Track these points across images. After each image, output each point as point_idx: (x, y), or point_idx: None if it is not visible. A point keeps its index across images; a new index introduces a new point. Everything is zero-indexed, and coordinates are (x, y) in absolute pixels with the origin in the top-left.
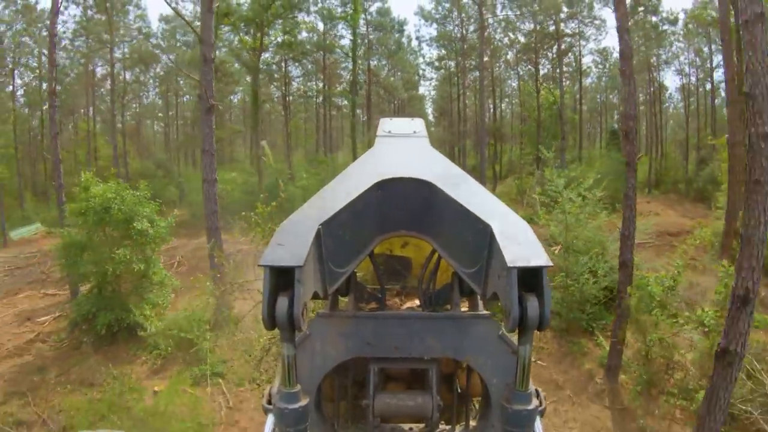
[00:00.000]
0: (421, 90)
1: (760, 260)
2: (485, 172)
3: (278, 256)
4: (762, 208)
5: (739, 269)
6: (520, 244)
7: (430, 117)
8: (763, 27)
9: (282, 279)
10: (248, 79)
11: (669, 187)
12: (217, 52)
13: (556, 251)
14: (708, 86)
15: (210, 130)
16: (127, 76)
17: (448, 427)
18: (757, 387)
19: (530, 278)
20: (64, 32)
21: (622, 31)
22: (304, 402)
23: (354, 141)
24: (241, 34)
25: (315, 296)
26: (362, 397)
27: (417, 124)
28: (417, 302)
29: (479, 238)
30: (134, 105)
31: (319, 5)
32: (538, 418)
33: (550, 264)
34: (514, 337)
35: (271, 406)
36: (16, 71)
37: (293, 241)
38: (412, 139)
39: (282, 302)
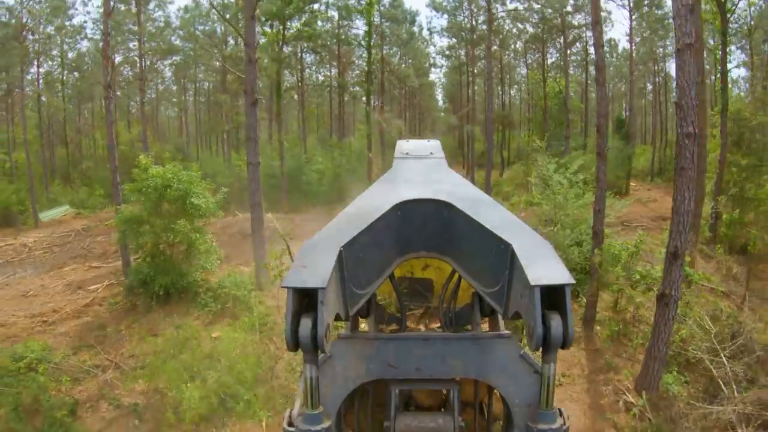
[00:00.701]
0: (432, 77)
1: (686, 226)
2: (492, 159)
3: (301, 278)
4: (686, 187)
5: (671, 233)
6: (542, 262)
7: (440, 103)
8: (692, 54)
9: (305, 300)
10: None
11: (671, 174)
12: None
13: (554, 230)
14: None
15: (254, 120)
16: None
17: None
18: (705, 336)
19: (553, 296)
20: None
21: (597, 46)
22: (326, 424)
23: (370, 128)
24: (263, 27)
25: (337, 318)
26: (383, 419)
27: (434, 146)
28: (440, 324)
29: (500, 258)
30: (150, 92)
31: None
32: None
33: (573, 281)
34: (535, 357)
35: (292, 429)
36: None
37: (316, 262)
38: (430, 160)
39: (305, 324)
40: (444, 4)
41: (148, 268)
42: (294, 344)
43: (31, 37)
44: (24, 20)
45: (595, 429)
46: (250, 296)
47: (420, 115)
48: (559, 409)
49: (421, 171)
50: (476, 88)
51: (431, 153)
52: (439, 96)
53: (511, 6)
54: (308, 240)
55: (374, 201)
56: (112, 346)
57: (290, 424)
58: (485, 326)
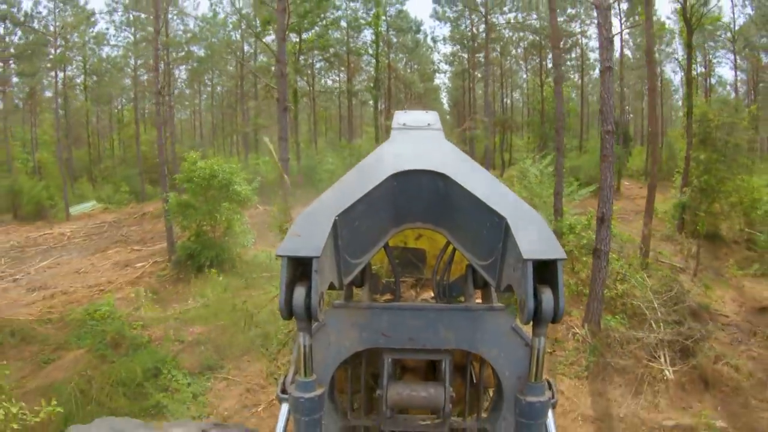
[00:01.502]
0: (437, 81)
1: (610, 198)
2: (491, 161)
3: (296, 247)
4: (607, 170)
5: (599, 203)
6: (535, 236)
7: (445, 106)
8: (610, 74)
9: (299, 269)
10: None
11: (665, 174)
12: (262, 56)
13: None
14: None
15: (285, 123)
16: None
17: (460, 419)
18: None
19: (545, 270)
20: (107, 29)
21: (557, 66)
22: (319, 391)
23: (377, 131)
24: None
25: (330, 287)
26: (376, 388)
27: (432, 117)
28: (432, 294)
29: (494, 231)
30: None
31: (345, 11)
32: (550, 410)
33: (565, 257)
34: (527, 330)
35: (286, 396)
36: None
37: (310, 231)
38: (427, 131)
39: (299, 292)
40: (447, 14)
41: (194, 244)
42: (288, 312)
43: (58, 43)
44: (51, 28)
45: (549, 351)
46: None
47: None
48: (548, 382)
49: (418, 142)
50: (480, 92)
51: (429, 124)
52: (444, 99)
53: (510, 15)
54: (303, 209)
55: (370, 171)
56: (166, 304)
57: (284, 391)
58: (478, 298)
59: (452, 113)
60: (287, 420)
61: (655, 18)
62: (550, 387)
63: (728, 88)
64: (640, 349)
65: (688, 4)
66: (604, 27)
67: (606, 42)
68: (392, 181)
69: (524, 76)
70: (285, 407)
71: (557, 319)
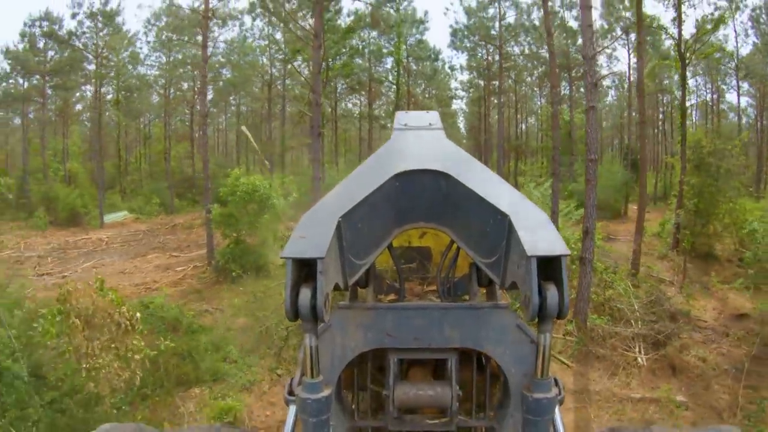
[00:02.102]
0: (454, 106)
1: (593, 215)
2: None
3: (300, 248)
4: (591, 192)
5: (584, 219)
6: (538, 233)
7: (462, 130)
8: (594, 113)
9: (304, 270)
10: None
11: (671, 200)
12: (287, 81)
13: None
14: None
15: (317, 146)
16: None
17: (467, 418)
18: (625, 294)
19: (549, 267)
20: (141, 48)
21: (554, 104)
22: (326, 392)
23: None
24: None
25: (335, 288)
26: (382, 388)
27: (433, 117)
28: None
29: (497, 228)
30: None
31: (369, 41)
32: (557, 406)
33: (569, 253)
34: (532, 327)
35: (293, 397)
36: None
37: (314, 233)
38: (429, 131)
39: (305, 293)
40: (464, 44)
41: (234, 251)
42: (293, 314)
43: (98, 60)
44: (90, 45)
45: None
46: None
47: None
48: (555, 379)
49: (420, 142)
50: (497, 116)
51: (430, 124)
52: (461, 124)
53: (524, 45)
54: (308, 211)
55: (373, 172)
56: (210, 301)
57: (291, 393)
58: (483, 296)
59: (469, 137)
60: (295, 421)
61: (663, 48)
62: (556, 384)
63: (733, 113)
64: (619, 341)
65: (682, 39)
66: (589, 74)
67: (590, 86)
68: (395, 182)
69: (539, 102)
70: (293, 409)
71: (562, 316)
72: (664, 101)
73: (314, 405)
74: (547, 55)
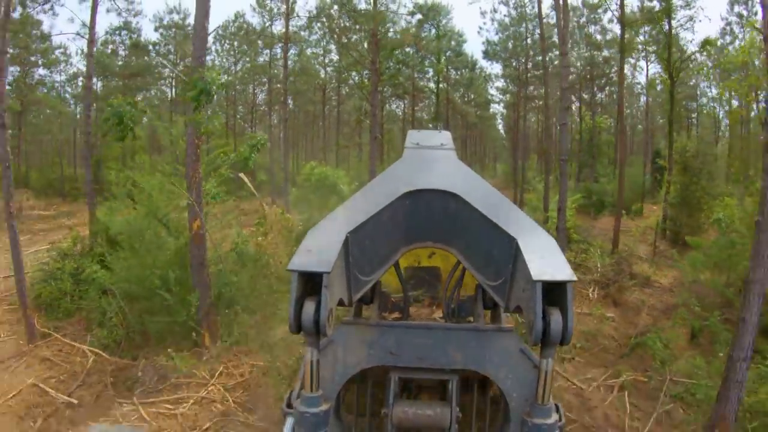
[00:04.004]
0: (492, 110)
1: (564, 198)
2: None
3: (306, 262)
4: (564, 188)
5: (558, 199)
6: (545, 258)
7: (501, 131)
8: (565, 129)
9: (310, 284)
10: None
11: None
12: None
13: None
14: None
15: (374, 149)
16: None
17: None
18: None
19: (554, 292)
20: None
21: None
22: (324, 407)
23: None
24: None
25: (340, 303)
26: (382, 406)
27: (445, 137)
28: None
29: (504, 251)
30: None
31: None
32: None
33: (575, 279)
34: (535, 352)
35: (291, 410)
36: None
37: (322, 247)
38: (440, 151)
39: (309, 307)
40: (499, 53)
41: (306, 225)
42: (296, 327)
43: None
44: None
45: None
46: None
47: (481, 142)
48: (556, 405)
49: (431, 162)
50: (533, 119)
51: (442, 144)
52: (500, 126)
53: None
54: (316, 225)
55: (383, 190)
56: None
57: (289, 406)
58: (490, 319)
59: (507, 139)
60: None
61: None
62: (557, 410)
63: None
64: (580, 284)
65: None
66: (562, 101)
67: (562, 110)
68: (404, 200)
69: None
70: (290, 421)
71: (566, 342)
72: (688, 107)
73: (312, 419)
74: (578, 64)
